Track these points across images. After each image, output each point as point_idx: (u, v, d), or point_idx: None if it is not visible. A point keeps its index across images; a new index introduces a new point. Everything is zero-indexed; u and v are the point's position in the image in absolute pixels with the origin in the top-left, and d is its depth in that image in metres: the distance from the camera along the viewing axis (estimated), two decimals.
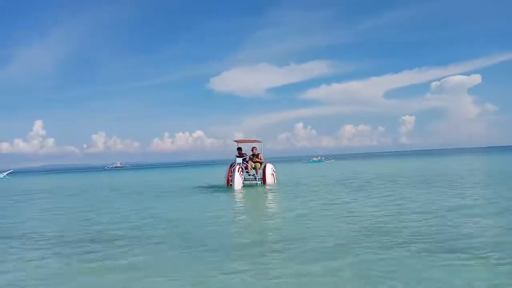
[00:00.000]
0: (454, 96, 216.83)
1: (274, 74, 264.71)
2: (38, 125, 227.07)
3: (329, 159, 70.02)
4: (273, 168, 18.97)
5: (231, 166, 17.83)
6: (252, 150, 18.48)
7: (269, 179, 18.15)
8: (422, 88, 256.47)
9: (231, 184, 16.98)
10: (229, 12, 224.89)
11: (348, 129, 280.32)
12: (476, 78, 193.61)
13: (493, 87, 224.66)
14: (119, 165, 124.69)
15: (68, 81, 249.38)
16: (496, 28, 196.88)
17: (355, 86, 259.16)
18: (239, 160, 17.73)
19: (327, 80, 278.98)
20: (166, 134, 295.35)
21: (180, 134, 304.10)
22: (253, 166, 18.17)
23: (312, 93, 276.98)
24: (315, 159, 66.63)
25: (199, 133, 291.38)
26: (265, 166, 18.28)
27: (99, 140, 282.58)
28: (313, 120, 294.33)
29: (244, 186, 17.49)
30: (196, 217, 9.87)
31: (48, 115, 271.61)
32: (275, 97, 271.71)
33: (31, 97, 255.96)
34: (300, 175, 28.05)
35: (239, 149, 18.44)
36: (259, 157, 18.36)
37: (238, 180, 16.93)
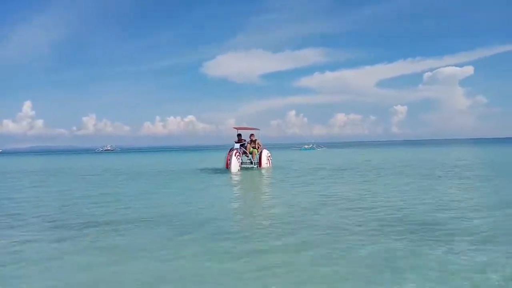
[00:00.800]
0: (445, 87, 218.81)
1: (268, 60, 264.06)
2: (27, 106, 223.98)
3: (320, 147, 70.42)
4: (269, 154, 20.42)
5: (230, 150, 18.83)
6: (250, 137, 19.71)
7: (264, 163, 19.70)
8: (415, 79, 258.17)
9: (230, 167, 18.09)
10: None
11: (340, 117, 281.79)
12: (468, 70, 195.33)
13: (485, 79, 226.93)
14: (109, 148, 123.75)
15: (61, 63, 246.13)
16: (492, 20, 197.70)
17: (348, 75, 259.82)
18: (237, 145, 18.89)
19: (320, 68, 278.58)
20: (158, 118, 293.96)
21: (172, 118, 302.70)
22: (251, 151, 19.40)
23: (305, 81, 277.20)
24: (306, 146, 66.98)
25: (191, 117, 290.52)
26: (261, 152, 19.68)
27: (89, 123, 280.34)
28: (306, 107, 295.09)
29: (242, 169, 18.66)
30: (195, 199, 9.85)
31: (38, 97, 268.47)
32: (268, 84, 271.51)
33: (22, 78, 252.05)
34: (292, 161, 28.51)
35: (239, 135, 19.69)
36: (256, 143, 19.65)
37: (235, 163, 18.11)
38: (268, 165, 20.05)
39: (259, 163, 19.43)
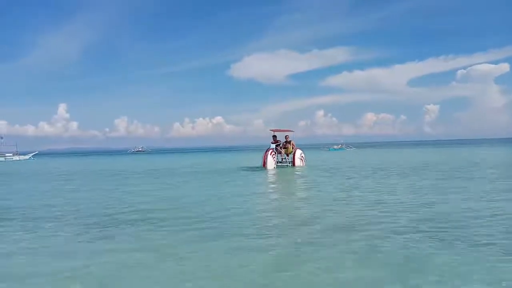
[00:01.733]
0: (480, 85, 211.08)
1: (295, 60, 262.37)
2: (62, 108, 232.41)
3: (350, 147, 69.71)
4: (302, 154, 22.26)
5: (266, 151, 20.82)
6: (285, 138, 21.85)
7: (298, 162, 21.55)
8: (447, 77, 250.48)
9: (266, 165, 20.16)
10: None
11: (370, 117, 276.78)
12: (504, 67, 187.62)
13: None
14: (140, 149, 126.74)
15: (92, 68, 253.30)
16: None
17: (377, 74, 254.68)
18: (273, 146, 21.09)
19: (349, 66, 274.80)
20: (186, 119, 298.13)
21: (200, 119, 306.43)
22: (286, 151, 21.53)
23: (333, 80, 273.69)
24: (335, 147, 66.57)
25: (218, 119, 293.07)
26: (295, 152, 21.60)
27: (121, 125, 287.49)
28: (334, 107, 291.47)
29: (277, 167, 20.86)
30: (235, 192, 10.83)
31: (72, 100, 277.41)
32: (295, 84, 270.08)
33: (56, 82, 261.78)
34: (322, 160, 28.69)
35: (274, 136, 21.72)
36: (291, 144, 21.70)
37: (271, 162, 20.39)
38: (302, 164, 21.81)
39: (293, 162, 21.31)
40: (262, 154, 21.38)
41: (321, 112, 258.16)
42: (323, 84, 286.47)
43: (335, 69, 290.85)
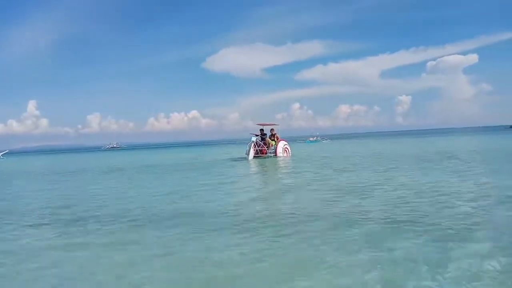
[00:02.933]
0: (449, 76, 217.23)
1: (271, 53, 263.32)
2: (32, 105, 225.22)
3: (325, 139, 70.92)
4: (286, 145, 24.30)
5: (250, 143, 23.69)
6: (270, 131, 24.42)
7: (280, 153, 23.63)
8: (418, 68, 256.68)
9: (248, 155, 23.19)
10: None
11: (344, 109, 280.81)
12: (473, 58, 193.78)
13: (489, 67, 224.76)
14: (115, 145, 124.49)
15: (63, 62, 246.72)
16: (494, 7, 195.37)
17: (351, 66, 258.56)
18: (254, 138, 23.79)
19: (323, 59, 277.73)
20: (162, 114, 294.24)
21: (176, 114, 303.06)
22: (270, 142, 23.97)
23: (308, 73, 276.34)
24: (311, 139, 67.47)
25: (194, 113, 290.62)
26: (278, 143, 23.81)
27: (94, 121, 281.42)
28: (310, 100, 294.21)
29: (258, 157, 23.35)
30: (212, 185, 10.65)
31: (42, 96, 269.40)
32: (271, 77, 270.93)
33: (26, 77, 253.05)
34: (301, 152, 29.19)
35: (261, 130, 24.44)
36: (275, 136, 24.24)
37: (252, 153, 23.31)
38: (285, 154, 23.86)
39: (275, 152, 23.49)
40: (239, 147, 22.91)
41: (297, 105, 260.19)
42: (298, 77, 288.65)
43: (310, 62, 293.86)
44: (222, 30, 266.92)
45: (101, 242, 5.60)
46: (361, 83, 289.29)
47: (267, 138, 24.00)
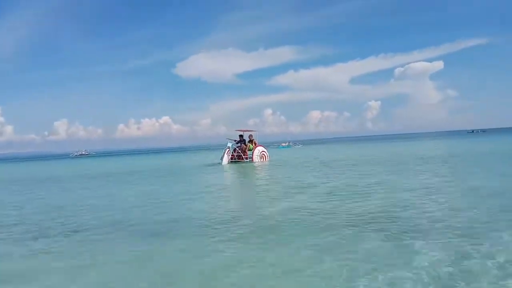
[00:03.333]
0: (416, 82, 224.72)
1: (242, 59, 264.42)
2: None
3: (297, 144, 72.26)
4: (264, 151, 25.28)
5: (225, 149, 24.69)
6: (249, 137, 25.33)
7: (256, 158, 24.56)
8: (387, 74, 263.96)
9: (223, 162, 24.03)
10: None
11: (315, 114, 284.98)
12: (438, 65, 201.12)
13: (454, 73, 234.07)
14: (84, 152, 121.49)
15: (29, 65, 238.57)
16: (460, 15, 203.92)
17: (321, 72, 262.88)
18: (229, 144, 24.72)
19: (294, 66, 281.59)
20: (132, 120, 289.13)
21: (146, 120, 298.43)
22: (249, 148, 24.80)
23: (280, 79, 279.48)
24: (283, 144, 68.68)
25: (166, 119, 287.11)
26: (254, 149, 24.64)
27: (61, 127, 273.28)
28: (282, 106, 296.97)
29: (234, 162, 24.28)
30: (183, 192, 10.69)
31: (6, 102, 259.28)
32: (243, 83, 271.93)
33: None
34: (275, 157, 29.48)
35: (241, 136, 25.35)
36: (253, 142, 25.02)
37: (226, 158, 24.24)
38: (262, 160, 24.81)
39: (252, 158, 24.38)
40: (212, 153, 23.20)
41: (269, 111, 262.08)
42: (270, 83, 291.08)
43: (282, 68, 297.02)
44: (193, 35, 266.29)
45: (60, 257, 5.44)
46: (331, 89, 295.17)
47: (247, 144, 24.99)
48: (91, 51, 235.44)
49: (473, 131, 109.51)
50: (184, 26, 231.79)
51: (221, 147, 25.09)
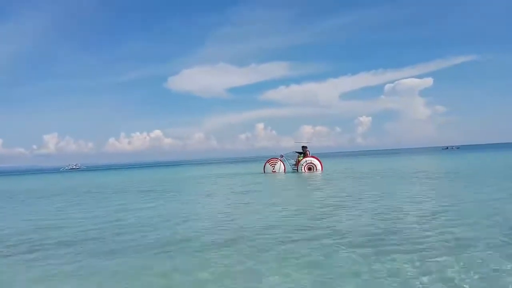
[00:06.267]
0: (406, 98, 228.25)
1: (234, 74, 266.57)
2: None
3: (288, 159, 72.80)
4: (311, 162, 26.78)
5: (275, 160, 28.31)
6: (302, 149, 27.52)
7: (301, 169, 26.73)
8: (377, 90, 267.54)
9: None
10: (190, 10, 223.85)
11: (307, 129, 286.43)
12: (428, 81, 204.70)
13: (443, 89, 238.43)
14: (74, 166, 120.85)
15: (18, 77, 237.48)
16: (449, 32, 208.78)
17: (313, 88, 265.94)
18: (290, 154, 28.20)
19: (286, 81, 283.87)
20: (123, 134, 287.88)
21: (137, 134, 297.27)
22: (300, 158, 27.06)
23: (271, 94, 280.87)
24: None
25: (157, 132, 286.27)
26: (300, 160, 26.94)
27: (51, 141, 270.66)
28: (273, 120, 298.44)
29: (289, 172, 27.34)
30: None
31: None
32: (234, 97, 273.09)
33: None
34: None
35: (304, 147, 27.44)
36: (306, 154, 27.24)
37: (282, 167, 28.08)
38: (312, 171, 26.33)
39: (296, 168, 27.01)
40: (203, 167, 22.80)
41: (261, 125, 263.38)
42: (262, 98, 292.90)
43: (273, 83, 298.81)
44: (185, 50, 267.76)
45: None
46: (322, 105, 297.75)
47: (300, 156, 27.17)
48: (82, 64, 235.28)
49: (447, 148, 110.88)
50: (176, 40, 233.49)
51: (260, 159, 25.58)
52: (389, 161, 42.81)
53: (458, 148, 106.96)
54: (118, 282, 4.87)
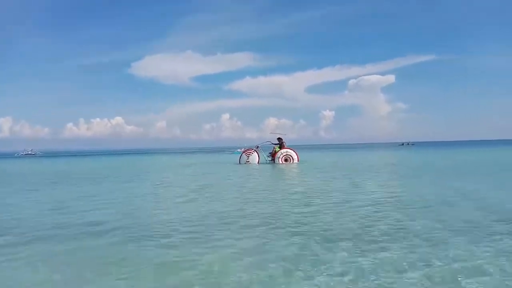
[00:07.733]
0: (368, 94, 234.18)
1: (200, 62, 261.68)
2: None
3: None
4: (287, 154, 26.99)
5: (245, 150, 28.87)
6: (278, 140, 27.80)
7: (277, 160, 26.90)
8: (341, 85, 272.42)
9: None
10: None
11: (272, 121, 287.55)
12: (390, 78, 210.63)
13: (404, 87, 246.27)
14: (30, 152, 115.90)
15: None
16: (411, 30, 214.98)
17: (279, 80, 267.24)
18: (260, 144, 28.77)
19: (252, 72, 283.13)
20: (82, 119, 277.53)
21: (98, 120, 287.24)
22: (276, 150, 27.40)
23: (237, 85, 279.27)
24: (239, 150, 69.49)
25: (118, 119, 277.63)
26: (277, 152, 27.25)
27: (5, 125, 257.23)
28: (239, 111, 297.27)
29: (263, 163, 27.40)
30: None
31: None
32: (200, 86, 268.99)
33: None
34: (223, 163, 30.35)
35: (279, 139, 27.72)
36: (282, 145, 27.50)
37: (243, 158, 28.22)
38: (288, 162, 26.56)
39: (273, 160, 27.20)
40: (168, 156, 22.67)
41: (226, 116, 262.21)
42: (227, 88, 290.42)
43: (240, 74, 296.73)
44: (150, 36, 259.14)
45: None
46: (288, 98, 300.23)
47: (276, 147, 27.51)
48: (40, 47, 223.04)
49: (403, 144, 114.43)
50: (141, 26, 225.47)
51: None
52: (345, 155, 44.26)
53: (413, 144, 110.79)
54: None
